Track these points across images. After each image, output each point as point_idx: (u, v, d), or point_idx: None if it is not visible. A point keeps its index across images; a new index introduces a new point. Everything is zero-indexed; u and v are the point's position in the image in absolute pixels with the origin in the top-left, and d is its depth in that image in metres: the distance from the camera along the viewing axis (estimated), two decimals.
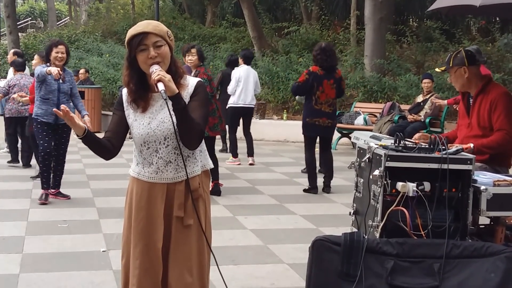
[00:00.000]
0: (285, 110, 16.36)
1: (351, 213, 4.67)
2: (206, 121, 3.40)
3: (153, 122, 3.36)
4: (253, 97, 11.82)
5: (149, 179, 3.41)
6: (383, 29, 17.08)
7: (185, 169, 3.36)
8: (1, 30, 33.25)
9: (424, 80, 12.80)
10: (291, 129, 15.22)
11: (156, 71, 3.21)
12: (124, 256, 3.50)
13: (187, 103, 3.31)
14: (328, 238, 4.08)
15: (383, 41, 17.31)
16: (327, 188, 9.10)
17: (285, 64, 18.23)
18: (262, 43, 20.63)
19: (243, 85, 11.55)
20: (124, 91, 3.47)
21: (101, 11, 33.09)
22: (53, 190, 8.36)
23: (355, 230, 4.54)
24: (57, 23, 38.20)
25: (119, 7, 32.75)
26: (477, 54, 9.43)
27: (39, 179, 8.47)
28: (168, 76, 3.21)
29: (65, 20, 41.46)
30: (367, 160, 4.29)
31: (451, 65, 5.14)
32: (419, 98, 12.97)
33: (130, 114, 3.43)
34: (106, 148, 3.42)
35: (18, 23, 30.08)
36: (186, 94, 3.36)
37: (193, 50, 8.67)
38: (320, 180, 9.12)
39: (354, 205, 4.64)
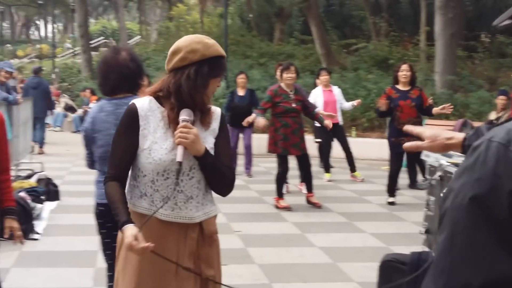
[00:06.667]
0: (354, 128, 16.27)
1: (422, 232, 4.62)
2: (232, 160, 3.07)
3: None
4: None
5: (163, 217, 2.81)
6: (454, 44, 16.83)
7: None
8: (76, 49, 34.28)
9: (500, 97, 12.46)
10: (360, 147, 15.12)
11: (179, 131, 2.74)
12: None
13: (216, 132, 2.93)
14: (396, 258, 4.04)
15: (454, 57, 17.05)
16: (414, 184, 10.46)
17: (353, 81, 18.16)
18: (330, 60, 20.62)
19: None
20: (139, 104, 2.86)
21: (171, 29, 33.73)
22: None
23: (427, 249, 4.49)
24: (128, 41, 39.14)
25: (188, 26, 33.27)
26: None
27: None
28: (191, 136, 2.73)
29: (136, 39, 42.48)
30: (438, 177, 4.24)
31: None
32: (492, 116, 12.65)
33: (149, 135, 2.83)
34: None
35: (90, 42, 30.96)
36: (215, 124, 2.94)
37: (292, 68, 8.97)
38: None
39: (426, 223, 4.59)
